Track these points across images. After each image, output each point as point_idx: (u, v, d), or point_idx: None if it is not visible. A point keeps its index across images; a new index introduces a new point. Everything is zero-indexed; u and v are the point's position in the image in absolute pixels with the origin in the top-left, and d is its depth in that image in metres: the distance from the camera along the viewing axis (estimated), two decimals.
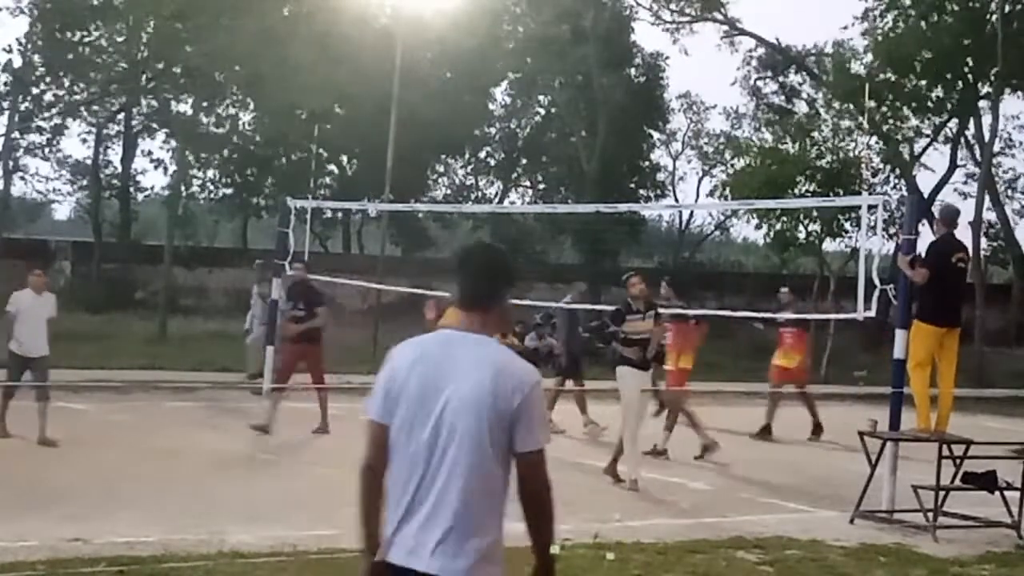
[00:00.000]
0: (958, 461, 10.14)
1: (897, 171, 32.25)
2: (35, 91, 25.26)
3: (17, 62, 24.65)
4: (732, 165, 30.98)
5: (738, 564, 8.44)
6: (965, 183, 34.89)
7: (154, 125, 30.66)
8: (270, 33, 23.75)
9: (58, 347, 13.02)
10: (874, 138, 29.84)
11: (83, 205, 34.45)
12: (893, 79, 28.64)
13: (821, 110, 33.47)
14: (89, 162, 32.23)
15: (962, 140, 33.53)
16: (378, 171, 25.53)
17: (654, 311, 11.86)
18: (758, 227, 27.89)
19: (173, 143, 29.74)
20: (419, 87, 29.78)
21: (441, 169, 38.92)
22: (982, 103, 29.73)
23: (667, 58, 37.35)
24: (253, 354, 17.23)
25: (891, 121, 30.91)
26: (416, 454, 3.58)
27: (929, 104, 30.17)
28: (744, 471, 12.89)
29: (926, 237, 11.36)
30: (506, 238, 31.80)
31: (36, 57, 25.20)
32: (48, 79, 25.44)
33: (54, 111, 26.09)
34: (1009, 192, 36.23)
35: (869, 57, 31.01)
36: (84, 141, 31.73)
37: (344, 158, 34.86)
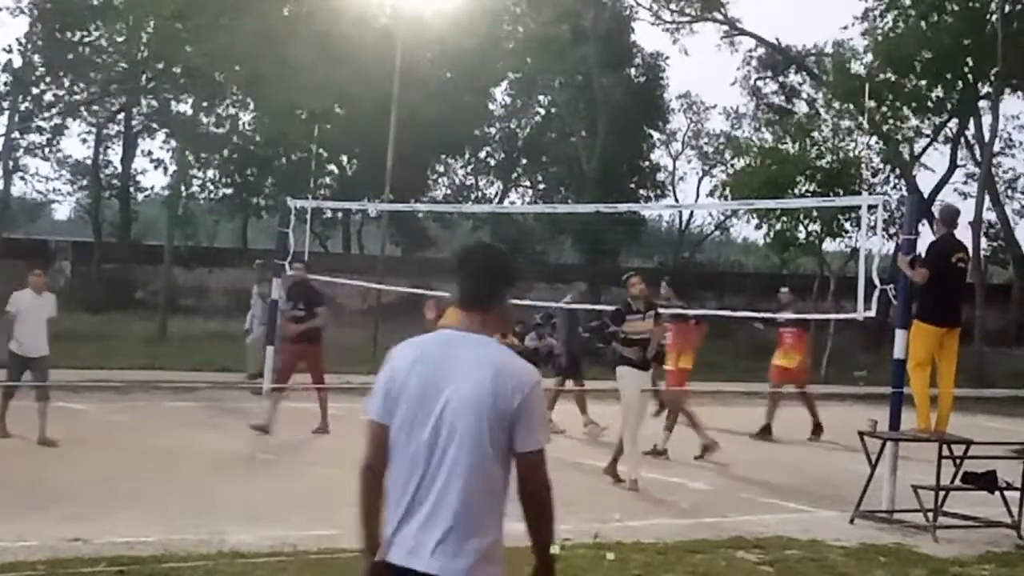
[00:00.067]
0: (958, 461, 10.14)
1: (897, 171, 32.25)
2: (35, 91, 25.26)
3: (17, 62, 24.68)
4: (732, 165, 30.98)
5: (738, 564, 8.44)
6: (965, 183, 34.95)
7: (154, 125, 30.66)
8: (270, 33, 23.75)
9: (58, 347, 13.02)
10: (874, 138, 29.85)
11: (83, 205, 34.47)
12: (893, 79, 28.64)
13: (821, 110, 33.47)
14: (89, 162, 32.26)
15: (962, 140, 33.53)
16: (378, 171, 25.53)
17: (654, 311, 11.86)
18: (758, 227, 27.91)
19: (173, 143, 29.74)
20: (419, 87, 29.78)
21: (441, 169, 38.93)
22: (982, 103, 29.73)
23: (667, 58, 37.46)
24: (253, 354, 17.24)
25: (891, 121, 30.91)
26: (416, 454, 3.58)
27: (929, 104, 30.17)
28: (744, 471, 12.88)
29: (926, 237, 11.37)
30: (506, 238, 31.80)
31: (36, 57, 25.19)
32: (48, 79, 25.44)
33: (54, 111, 26.08)
34: (1009, 192, 36.24)
35: (869, 57, 31.02)
36: (84, 141, 31.82)
37: (344, 158, 34.87)
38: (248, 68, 25.76)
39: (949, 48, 27.64)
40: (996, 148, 31.85)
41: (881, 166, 31.13)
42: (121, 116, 31.62)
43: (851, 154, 27.75)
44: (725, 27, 36.32)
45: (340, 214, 35.61)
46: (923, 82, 29.18)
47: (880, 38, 29.60)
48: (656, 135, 39.13)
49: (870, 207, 12.05)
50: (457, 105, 33.08)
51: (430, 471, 3.56)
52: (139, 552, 7.75)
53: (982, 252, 30.58)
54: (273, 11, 25.08)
